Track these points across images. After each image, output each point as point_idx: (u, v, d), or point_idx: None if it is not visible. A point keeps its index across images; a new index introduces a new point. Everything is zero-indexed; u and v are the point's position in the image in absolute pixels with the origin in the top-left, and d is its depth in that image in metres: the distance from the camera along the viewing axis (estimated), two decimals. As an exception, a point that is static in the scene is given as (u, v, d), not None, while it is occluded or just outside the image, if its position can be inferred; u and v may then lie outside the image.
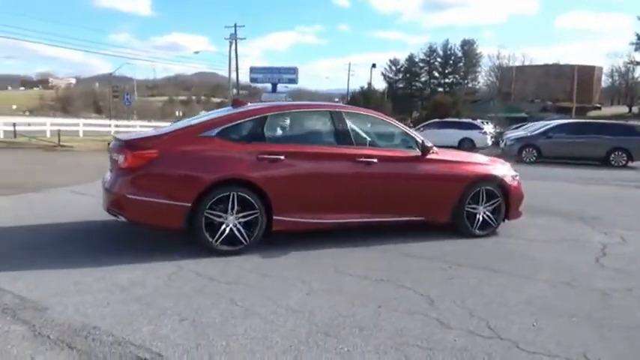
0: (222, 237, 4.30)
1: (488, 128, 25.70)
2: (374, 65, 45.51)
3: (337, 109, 5.02)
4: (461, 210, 5.22)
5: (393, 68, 76.87)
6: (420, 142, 5.03)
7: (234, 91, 39.69)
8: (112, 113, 57.19)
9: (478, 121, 25.09)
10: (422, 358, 2.64)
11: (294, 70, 37.74)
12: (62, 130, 19.95)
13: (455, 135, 22.75)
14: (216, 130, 4.43)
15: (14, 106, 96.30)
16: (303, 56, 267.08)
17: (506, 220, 5.62)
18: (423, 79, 78.05)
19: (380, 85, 69.42)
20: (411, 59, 76.81)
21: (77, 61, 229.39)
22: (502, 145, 19.68)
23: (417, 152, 5.02)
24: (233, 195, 4.29)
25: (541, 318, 3.21)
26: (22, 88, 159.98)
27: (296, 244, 4.69)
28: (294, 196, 4.53)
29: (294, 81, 38.05)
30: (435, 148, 5.17)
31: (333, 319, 3.10)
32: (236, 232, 4.35)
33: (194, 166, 4.25)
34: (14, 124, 20.95)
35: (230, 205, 4.30)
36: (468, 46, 74.73)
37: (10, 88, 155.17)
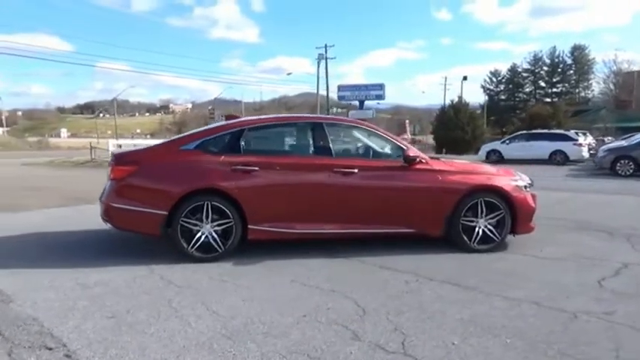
0: (198, 244, 4.52)
1: (586, 140, 23.43)
2: (465, 78, 43.95)
3: (318, 121, 5.05)
4: (455, 223, 4.92)
5: (494, 80, 73.34)
6: (405, 151, 4.86)
7: (335, 109, 40.59)
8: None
9: (572, 132, 22.94)
10: (299, 366, 2.59)
11: (380, 87, 37.63)
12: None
13: (545, 147, 21.13)
14: (195, 144, 4.71)
15: (138, 130, 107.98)
16: (403, 72, 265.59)
17: (515, 235, 5.19)
18: (527, 89, 73.48)
19: (478, 98, 66.53)
20: (513, 69, 72.78)
21: (195, 88, 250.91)
22: (595, 157, 17.83)
23: (403, 162, 4.86)
24: (207, 204, 4.51)
25: (470, 337, 2.96)
26: (147, 113, 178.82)
27: (281, 253, 4.77)
28: (269, 206, 4.63)
29: (381, 97, 37.92)
30: (425, 158, 4.96)
31: (248, 324, 3.14)
32: (211, 240, 4.55)
33: (171, 177, 4.55)
34: (119, 145, 23.54)
35: (205, 214, 4.52)
36: (578, 52, 68.98)
37: (137, 114, 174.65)
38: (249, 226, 4.60)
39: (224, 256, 4.60)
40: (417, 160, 4.86)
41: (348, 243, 5.07)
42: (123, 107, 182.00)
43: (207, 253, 4.54)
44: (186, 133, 5.26)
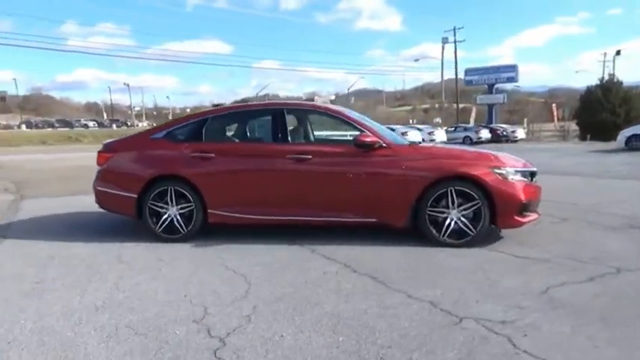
0: (164, 225, 4.90)
1: None
2: (618, 52, 37.48)
3: (279, 107, 5.01)
4: (422, 214, 4.52)
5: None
6: (358, 136, 4.58)
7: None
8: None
9: None
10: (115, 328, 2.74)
11: (512, 68, 34.61)
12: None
13: None
14: (164, 133, 5.08)
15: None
16: (562, 50, 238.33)
17: (501, 230, 4.58)
18: None
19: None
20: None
21: (339, 80, 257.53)
22: None
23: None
24: (171, 189, 4.85)
25: (309, 331, 2.80)
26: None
27: (245, 237, 4.91)
28: (226, 192, 4.79)
29: (513, 79, 34.91)
30: (388, 143, 4.63)
31: (129, 298, 3.38)
32: (176, 222, 4.89)
33: (140, 164, 4.99)
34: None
35: (169, 198, 4.87)
36: None
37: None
38: (209, 211, 4.82)
39: (189, 238, 4.90)
40: (375, 145, 4.55)
41: (317, 231, 4.97)
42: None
43: (172, 234, 4.89)
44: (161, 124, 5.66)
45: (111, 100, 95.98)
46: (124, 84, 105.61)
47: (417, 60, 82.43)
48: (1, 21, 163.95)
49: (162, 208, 4.90)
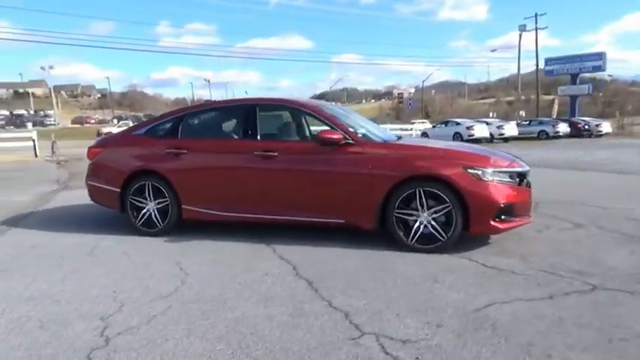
0: (143, 219, 5.01)
1: None
2: None
3: (251, 103, 4.88)
4: (389, 216, 4.22)
5: None
6: (321, 132, 4.35)
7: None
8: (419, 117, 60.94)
9: None
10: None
11: (599, 56, 31.48)
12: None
13: None
14: (145, 129, 5.17)
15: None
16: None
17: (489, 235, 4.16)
18: None
19: None
20: None
21: (419, 72, 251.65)
22: None
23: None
24: (148, 184, 4.95)
25: (180, 335, 2.71)
26: (372, 100, 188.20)
27: (223, 235, 4.90)
28: (197, 188, 4.79)
29: (600, 68, 31.79)
30: (356, 140, 4.36)
31: (48, 290, 3.48)
32: (153, 217, 4.98)
33: (122, 160, 5.12)
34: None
35: (147, 193, 4.97)
36: None
37: (364, 101, 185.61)
38: (183, 206, 4.86)
39: (165, 232, 4.97)
40: (340, 142, 4.30)
41: (292, 231, 4.81)
42: (352, 95, 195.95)
43: (150, 228, 4.99)
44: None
45: (193, 95, 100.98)
46: (205, 80, 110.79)
47: (493, 50, 75.00)
48: (104, 26, 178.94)
49: (141, 202, 5.01)
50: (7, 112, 75.43)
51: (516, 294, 3.19)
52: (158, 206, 4.94)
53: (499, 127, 26.95)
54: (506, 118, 44.25)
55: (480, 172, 4.02)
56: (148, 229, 4.99)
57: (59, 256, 4.38)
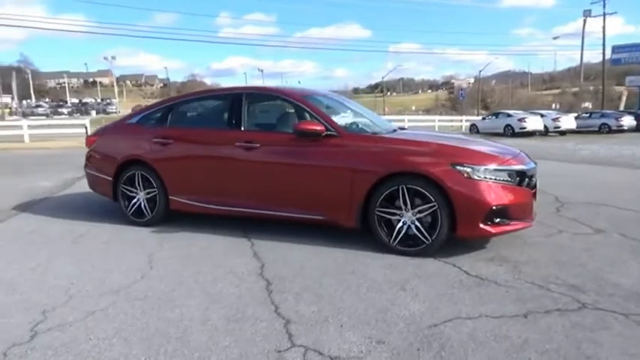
0: (134, 209, 4.98)
1: None
2: None
3: (238, 92, 4.65)
4: (371, 214, 3.91)
5: None
6: (298, 123, 4.10)
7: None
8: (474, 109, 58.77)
9: None
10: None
11: (674, 43, 28.79)
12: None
13: None
14: (137, 118, 5.11)
15: (413, 107, 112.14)
16: None
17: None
18: None
19: None
20: None
21: (479, 62, 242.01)
22: None
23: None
24: (138, 174, 4.90)
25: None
26: (429, 90, 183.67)
27: (209, 227, 4.80)
28: (184, 179, 4.67)
29: (674, 56, 29.05)
30: (339, 131, 4.07)
31: (11, 278, 3.46)
32: (142, 206, 4.93)
33: (114, 149, 5.09)
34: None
35: (137, 182, 4.92)
36: None
37: (420, 91, 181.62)
38: (170, 197, 4.77)
39: (154, 222, 4.91)
40: (321, 133, 4.02)
41: (281, 226, 4.62)
42: (408, 85, 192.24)
43: (139, 217, 4.94)
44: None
45: (246, 84, 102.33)
46: (258, 69, 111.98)
47: (556, 38, 68.11)
48: (167, 17, 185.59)
49: (131, 192, 4.97)
50: (76, 100, 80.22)
51: (487, 309, 2.83)
52: (147, 196, 4.88)
53: (555, 120, 25.25)
54: (570, 110, 41.53)
55: (469, 170, 3.63)
56: (137, 218, 4.94)
57: (44, 243, 4.41)
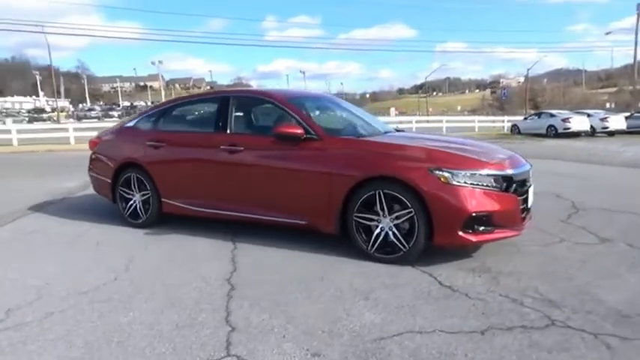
0: (130, 210, 5.08)
1: None
2: None
3: (226, 95, 4.63)
4: (348, 219, 3.80)
5: None
6: (276, 127, 4.04)
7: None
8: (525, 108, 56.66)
9: None
10: None
11: None
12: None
13: None
14: (134, 122, 5.20)
15: (459, 108, 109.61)
16: None
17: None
18: None
19: None
20: None
21: (529, 60, 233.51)
22: None
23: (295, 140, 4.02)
24: (133, 176, 4.99)
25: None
26: (477, 90, 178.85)
27: (201, 229, 4.82)
28: (173, 182, 4.72)
29: None
30: (320, 134, 3.97)
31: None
32: (138, 208, 5.03)
33: (112, 152, 5.22)
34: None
35: (132, 184, 5.02)
36: None
37: (467, 91, 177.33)
38: (162, 199, 4.83)
39: (149, 224, 4.99)
40: (301, 137, 3.94)
41: (272, 230, 4.58)
42: (455, 85, 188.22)
43: (135, 219, 5.04)
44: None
45: (288, 86, 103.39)
46: (300, 71, 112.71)
47: (608, 33, 63.58)
48: (215, 23, 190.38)
49: (128, 194, 5.07)
50: (127, 104, 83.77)
51: (445, 324, 2.67)
52: (142, 198, 4.97)
53: (603, 120, 23.91)
54: (627, 109, 39.13)
55: (447, 175, 3.45)
56: (133, 220, 5.04)
57: (40, 244, 4.57)
